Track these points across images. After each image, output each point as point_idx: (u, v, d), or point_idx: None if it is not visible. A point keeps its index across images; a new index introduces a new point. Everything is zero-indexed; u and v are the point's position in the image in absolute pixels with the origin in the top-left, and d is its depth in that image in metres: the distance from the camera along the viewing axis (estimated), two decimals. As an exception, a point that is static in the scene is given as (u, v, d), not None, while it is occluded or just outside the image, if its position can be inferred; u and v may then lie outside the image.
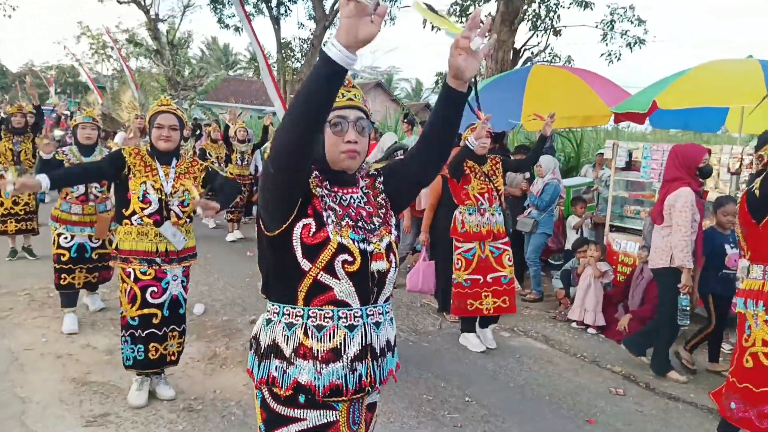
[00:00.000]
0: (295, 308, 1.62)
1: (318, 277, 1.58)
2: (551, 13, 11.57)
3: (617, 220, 6.85)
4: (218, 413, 3.60)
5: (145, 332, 3.46)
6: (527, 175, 7.12)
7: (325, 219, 1.59)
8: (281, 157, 1.46)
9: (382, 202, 1.78)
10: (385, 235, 1.69)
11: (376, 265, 1.63)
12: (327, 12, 16.80)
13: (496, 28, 10.04)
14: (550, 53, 11.79)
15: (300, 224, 1.58)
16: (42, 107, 7.72)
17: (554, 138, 9.33)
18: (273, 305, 1.67)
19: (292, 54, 18.72)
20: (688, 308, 4.36)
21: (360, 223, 1.65)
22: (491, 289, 4.77)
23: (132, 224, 3.43)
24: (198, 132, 11.96)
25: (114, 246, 3.55)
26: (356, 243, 1.60)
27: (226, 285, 6.49)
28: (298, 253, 1.57)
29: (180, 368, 4.13)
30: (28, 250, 7.14)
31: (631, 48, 11.55)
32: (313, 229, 1.57)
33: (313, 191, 1.62)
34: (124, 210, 3.45)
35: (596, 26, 11.64)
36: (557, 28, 11.58)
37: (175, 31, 22.91)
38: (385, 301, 1.72)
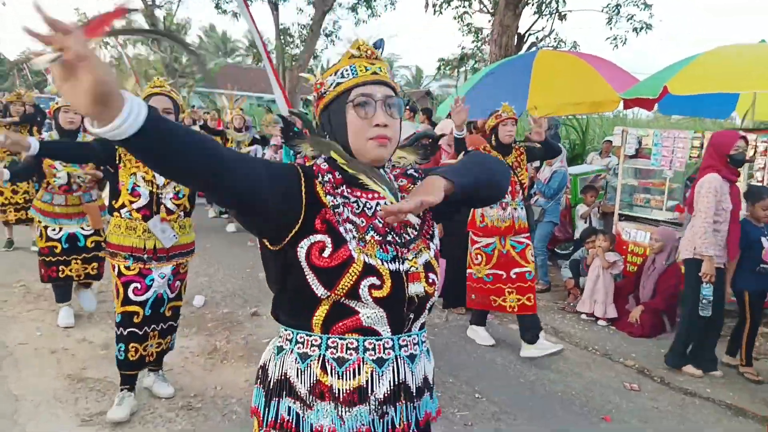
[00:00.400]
0: (310, 336, 1.33)
1: (339, 301, 1.30)
2: (556, -3, 11.37)
3: (626, 208, 6.70)
4: (219, 411, 3.45)
5: (126, 331, 3.21)
6: (536, 162, 6.95)
7: (343, 234, 1.29)
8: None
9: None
10: (423, 250, 1.38)
11: (414, 288, 1.33)
12: (326, -3, 16.53)
13: (500, 12, 9.83)
14: (555, 38, 11.59)
15: (306, 243, 1.28)
16: (41, 96, 7.56)
17: (558, 126, 9.15)
18: (285, 330, 1.40)
19: (291, 40, 18.46)
20: (710, 298, 4.19)
21: (390, 237, 1.35)
22: (515, 286, 4.47)
23: (121, 217, 3.19)
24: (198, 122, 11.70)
25: (104, 238, 3.36)
26: (385, 263, 1.30)
27: (226, 276, 6.34)
28: (310, 278, 1.28)
29: (179, 363, 4.01)
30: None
31: (637, 32, 11.34)
32: (329, 249, 1.27)
33: (323, 200, 1.32)
34: (114, 202, 3.22)
35: (602, 10, 11.44)
36: (562, 13, 11.36)
37: (172, 18, 22.60)
38: (420, 329, 1.42)
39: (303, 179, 1.32)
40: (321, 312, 1.30)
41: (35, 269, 4.56)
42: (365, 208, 1.36)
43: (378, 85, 1.34)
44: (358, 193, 1.37)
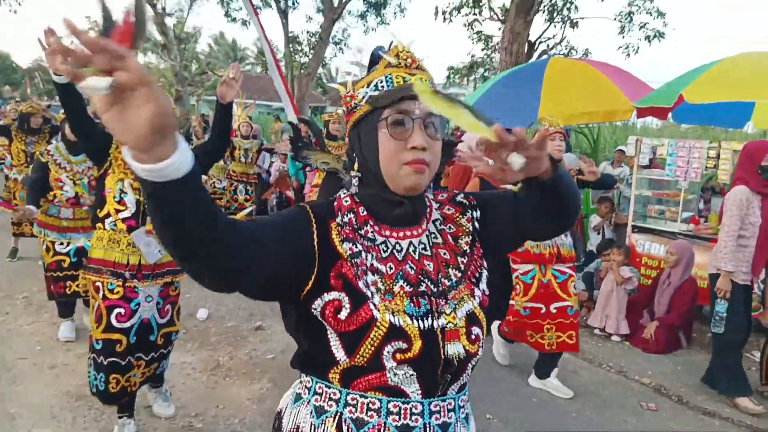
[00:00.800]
0: (330, 388, 1.13)
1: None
2: (568, 4, 11.22)
3: (640, 220, 6.55)
4: (220, 432, 3.34)
5: (107, 360, 2.88)
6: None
7: (363, 290, 1.07)
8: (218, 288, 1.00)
9: (466, 247, 1.20)
10: (465, 298, 1.15)
11: (453, 349, 1.10)
12: (335, 5, 16.49)
13: (511, 19, 9.72)
14: (566, 45, 11.46)
15: (319, 303, 1.08)
16: (54, 104, 7.44)
17: (569, 134, 9.01)
18: (305, 377, 1.20)
19: (300, 48, 18.43)
20: (723, 315, 4.04)
21: (423, 286, 1.12)
22: (556, 322, 3.96)
23: (104, 228, 2.93)
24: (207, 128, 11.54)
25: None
26: (415, 320, 1.08)
27: (231, 287, 6.22)
28: (332, 339, 1.09)
29: (181, 380, 3.90)
30: None
31: (649, 41, 11.20)
32: (347, 309, 1.06)
33: (338, 249, 1.10)
34: (99, 211, 2.96)
35: (614, 18, 11.31)
36: (574, 20, 11.22)
37: (182, 26, 22.69)
38: (459, 391, 1.17)
39: (315, 225, 1.10)
40: (338, 369, 1.12)
41: (39, 280, 4.49)
42: (395, 251, 1.14)
43: (417, 100, 1.10)
44: (388, 232, 1.16)
